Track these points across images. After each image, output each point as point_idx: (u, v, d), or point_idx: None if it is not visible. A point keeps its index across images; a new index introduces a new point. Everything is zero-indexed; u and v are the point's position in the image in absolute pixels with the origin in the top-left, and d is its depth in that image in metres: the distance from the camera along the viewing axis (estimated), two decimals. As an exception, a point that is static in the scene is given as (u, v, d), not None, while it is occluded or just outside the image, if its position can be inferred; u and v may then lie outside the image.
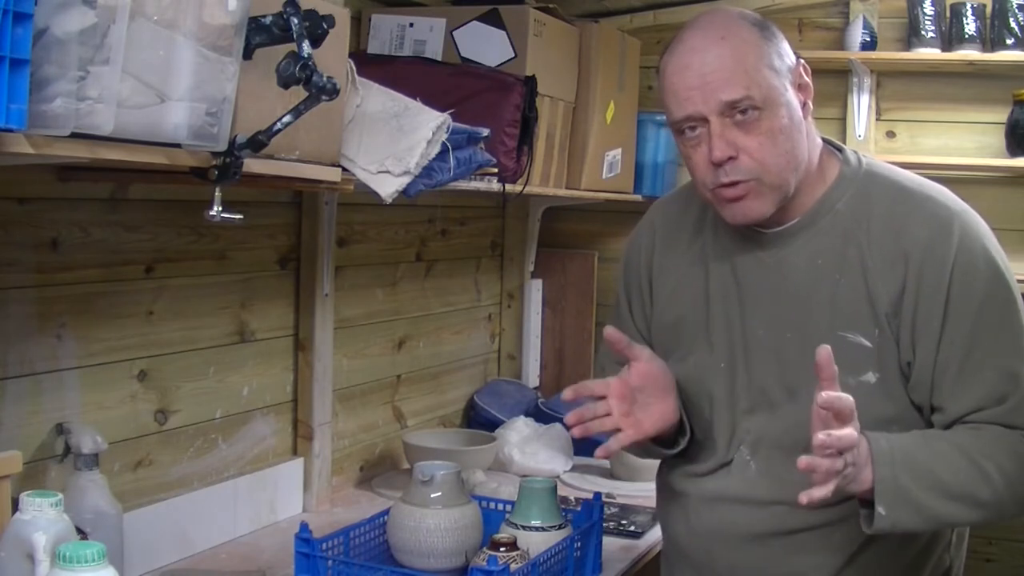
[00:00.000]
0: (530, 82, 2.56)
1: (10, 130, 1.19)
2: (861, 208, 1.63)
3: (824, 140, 1.69)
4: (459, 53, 2.63)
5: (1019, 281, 2.68)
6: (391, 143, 2.02)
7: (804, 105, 1.61)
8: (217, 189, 1.59)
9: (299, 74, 1.49)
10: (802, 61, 1.63)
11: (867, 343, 1.58)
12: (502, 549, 1.90)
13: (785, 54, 1.60)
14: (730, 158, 1.55)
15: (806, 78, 1.62)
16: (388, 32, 2.67)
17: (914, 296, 1.57)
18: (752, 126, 1.55)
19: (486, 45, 2.62)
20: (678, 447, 1.72)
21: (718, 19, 1.60)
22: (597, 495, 2.15)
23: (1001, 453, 1.52)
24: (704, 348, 1.71)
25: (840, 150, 1.70)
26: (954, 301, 1.55)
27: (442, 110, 2.11)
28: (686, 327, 1.74)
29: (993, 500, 1.52)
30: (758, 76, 1.54)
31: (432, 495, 1.99)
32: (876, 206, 1.62)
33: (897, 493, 1.48)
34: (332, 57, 1.73)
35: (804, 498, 1.43)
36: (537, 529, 2.01)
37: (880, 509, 1.48)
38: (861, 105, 3.21)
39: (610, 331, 1.64)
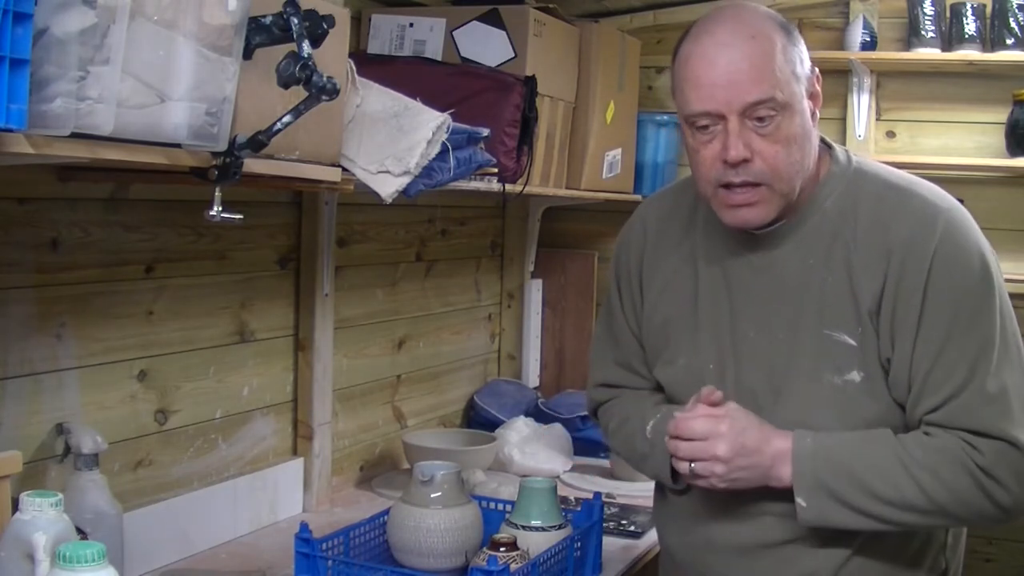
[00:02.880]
0: (530, 82, 2.56)
1: (10, 130, 1.19)
2: (849, 206, 1.62)
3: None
4: (459, 53, 2.63)
5: (1018, 281, 2.70)
6: (391, 143, 2.02)
7: (813, 114, 1.61)
8: (217, 189, 1.59)
9: (299, 74, 1.49)
10: (816, 70, 1.63)
11: (852, 342, 1.58)
12: (502, 549, 1.90)
13: (805, 60, 1.59)
14: (744, 160, 1.54)
15: (817, 87, 1.62)
16: (388, 32, 2.66)
17: (894, 292, 1.56)
18: (768, 131, 1.54)
19: (486, 45, 2.62)
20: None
21: (748, 16, 1.57)
22: (597, 495, 2.15)
23: (940, 462, 1.52)
24: (693, 350, 1.71)
25: (830, 147, 1.69)
26: (931, 297, 1.54)
27: (442, 110, 2.11)
28: (675, 328, 1.74)
29: (931, 507, 1.53)
30: (783, 79, 1.53)
31: (432, 495, 1.99)
32: (863, 204, 1.62)
33: (818, 488, 1.55)
34: (332, 57, 1.73)
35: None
36: (537, 529, 2.00)
37: (800, 501, 1.56)
38: (861, 105, 3.21)
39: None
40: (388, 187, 2.01)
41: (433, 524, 1.96)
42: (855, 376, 1.58)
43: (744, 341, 1.66)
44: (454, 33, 2.64)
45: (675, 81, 1.61)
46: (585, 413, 3.02)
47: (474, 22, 2.63)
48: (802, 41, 1.61)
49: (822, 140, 1.69)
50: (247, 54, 1.51)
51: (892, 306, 1.56)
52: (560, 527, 2.03)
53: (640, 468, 1.81)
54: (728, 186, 1.57)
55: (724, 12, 1.59)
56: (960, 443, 1.52)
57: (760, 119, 1.53)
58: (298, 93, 1.53)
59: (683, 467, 1.61)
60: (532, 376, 3.45)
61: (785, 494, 1.59)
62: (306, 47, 1.50)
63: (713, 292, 1.70)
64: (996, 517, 1.55)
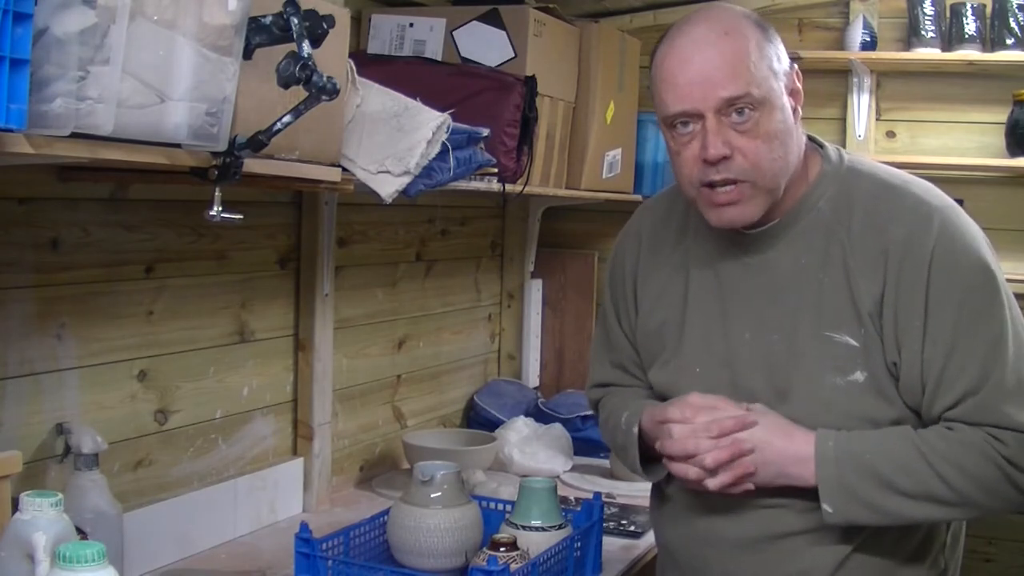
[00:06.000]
0: (530, 82, 2.56)
1: (10, 130, 1.19)
2: (843, 206, 1.62)
3: (807, 137, 1.68)
4: (459, 53, 2.63)
5: (1019, 281, 2.70)
6: (391, 143, 2.02)
7: (795, 111, 1.60)
8: (217, 189, 1.59)
9: (299, 74, 1.49)
10: (795, 66, 1.62)
11: (854, 342, 1.57)
12: (502, 549, 1.90)
13: (783, 57, 1.59)
14: (724, 157, 1.54)
15: (798, 83, 1.61)
16: (388, 32, 2.67)
17: (894, 294, 1.55)
18: (747, 128, 1.53)
19: (486, 45, 2.62)
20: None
21: (722, 14, 1.58)
22: (597, 495, 2.15)
23: (964, 454, 1.52)
24: (688, 353, 1.70)
25: (822, 147, 1.69)
26: (934, 298, 1.54)
27: (442, 110, 2.11)
28: (670, 333, 1.73)
29: (957, 499, 1.54)
30: (759, 75, 1.53)
31: (432, 495, 1.99)
32: (857, 203, 1.61)
33: (843, 492, 1.55)
34: (332, 57, 1.73)
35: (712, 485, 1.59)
36: (537, 529, 2.00)
37: (826, 507, 1.56)
38: (861, 105, 3.21)
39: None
40: (388, 187, 2.01)
41: (433, 524, 1.96)
42: (859, 376, 1.57)
43: (740, 343, 1.65)
44: (454, 33, 2.64)
45: (652, 84, 1.61)
46: (585, 413, 3.05)
47: (474, 22, 2.63)
48: (779, 39, 1.60)
49: (813, 139, 1.69)
50: (247, 54, 1.51)
51: (894, 310, 1.55)
52: (560, 527, 2.03)
53: (623, 460, 1.82)
54: (711, 185, 1.57)
55: (698, 13, 1.60)
56: (984, 435, 1.52)
57: (738, 116, 1.53)
58: (298, 93, 1.53)
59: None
60: (532, 376, 3.45)
61: (786, 488, 1.59)
62: (306, 47, 1.50)
63: (705, 295, 1.69)
64: (1022, 503, 1.57)
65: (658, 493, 1.83)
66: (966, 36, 3.02)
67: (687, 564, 1.75)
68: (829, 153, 1.67)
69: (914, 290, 1.54)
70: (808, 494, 1.58)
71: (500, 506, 2.17)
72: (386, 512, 2.05)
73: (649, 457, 1.74)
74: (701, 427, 1.59)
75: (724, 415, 1.59)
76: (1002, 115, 3.05)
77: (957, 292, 1.54)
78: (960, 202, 1.65)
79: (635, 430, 1.71)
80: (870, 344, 1.57)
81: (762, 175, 1.56)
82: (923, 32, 3.06)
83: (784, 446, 1.58)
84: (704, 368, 1.68)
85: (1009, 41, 2.99)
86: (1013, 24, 2.98)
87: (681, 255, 1.74)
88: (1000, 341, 1.53)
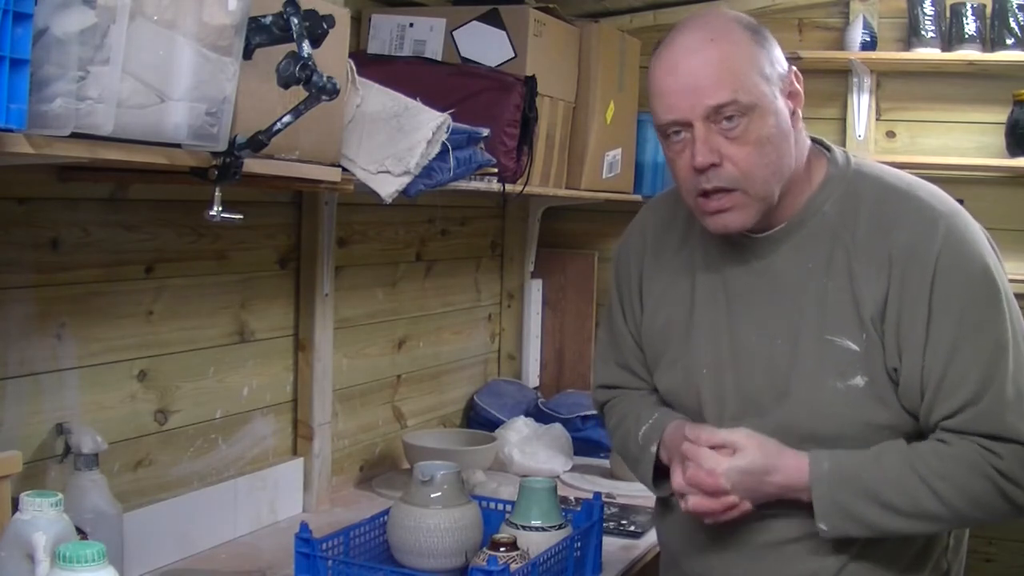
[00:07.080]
0: (530, 82, 2.56)
1: (10, 130, 1.19)
2: (848, 209, 1.61)
3: (813, 140, 1.67)
4: (459, 53, 2.63)
5: (1018, 281, 2.70)
6: (391, 143, 2.02)
7: (793, 113, 1.59)
8: (217, 189, 1.59)
9: (299, 74, 1.49)
10: (794, 68, 1.61)
11: (855, 347, 1.57)
12: (502, 549, 1.90)
13: (777, 61, 1.58)
14: (713, 165, 1.53)
15: (797, 85, 1.60)
16: (388, 32, 2.67)
17: (898, 301, 1.55)
18: (737, 135, 1.53)
19: (486, 45, 2.62)
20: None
21: (710, 20, 1.57)
22: (597, 495, 2.15)
23: (957, 469, 1.53)
24: (692, 354, 1.70)
25: (829, 149, 1.68)
26: (937, 305, 1.53)
27: (442, 110, 2.11)
28: (674, 333, 1.73)
29: (949, 514, 1.54)
30: (747, 81, 1.52)
31: (432, 495, 1.99)
32: (863, 207, 1.60)
33: (836, 510, 1.56)
34: (332, 57, 1.73)
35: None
36: (537, 529, 2.00)
37: (821, 525, 1.56)
38: (861, 105, 3.21)
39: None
40: (388, 187, 2.01)
41: (433, 524, 1.96)
42: (859, 381, 1.56)
43: (744, 345, 1.65)
44: (454, 33, 2.64)
45: (648, 92, 1.61)
46: (585, 413, 3.05)
47: (474, 22, 2.63)
48: (773, 41, 1.59)
49: (820, 142, 1.68)
50: (247, 54, 1.51)
51: (897, 316, 1.55)
52: (560, 527, 2.03)
53: (632, 469, 1.82)
54: (705, 193, 1.57)
55: (689, 20, 1.60)
56: (977, 448, 1.52)
57: (727, 122, 1.52)
58: (298, 93, 1.53)
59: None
60: (532, 376, 3.45)
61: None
62: (306, 47, 1.50)
63: (711, 297, 1.69)
64: (1013, 516, 1.57)
65: (662, 499, 1.83)
66: (966, 36, 3.02)
67: (690, 569, 1.76)
68: (836, 156, 1.66)
69: (918, 296, 1.54)
70: (809, 503, 1.58)
71: (500, 506, 2.17)
72: (386, 512, 2.06)
73: (661, 468, 1.73)
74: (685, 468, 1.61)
75: (704, 460, 1.59)
76: (1002, 115, 3.05)
77: (960, 300, 1.53)
78: (960, 202, 1.64)
79: (653, 449, 1.70)
80: (871, 349, 1.56)
81: (753, 182, 1.55)
82: (923, 32, 3.06)
83: (772, 480, 1.58)
84: (710, 370, 1.68)
85: (1009, 41, 2.99)
86: (1013, 24, 2.98)
87: (685, 258, 1.74)
88: (1001, 351, 1.53)
